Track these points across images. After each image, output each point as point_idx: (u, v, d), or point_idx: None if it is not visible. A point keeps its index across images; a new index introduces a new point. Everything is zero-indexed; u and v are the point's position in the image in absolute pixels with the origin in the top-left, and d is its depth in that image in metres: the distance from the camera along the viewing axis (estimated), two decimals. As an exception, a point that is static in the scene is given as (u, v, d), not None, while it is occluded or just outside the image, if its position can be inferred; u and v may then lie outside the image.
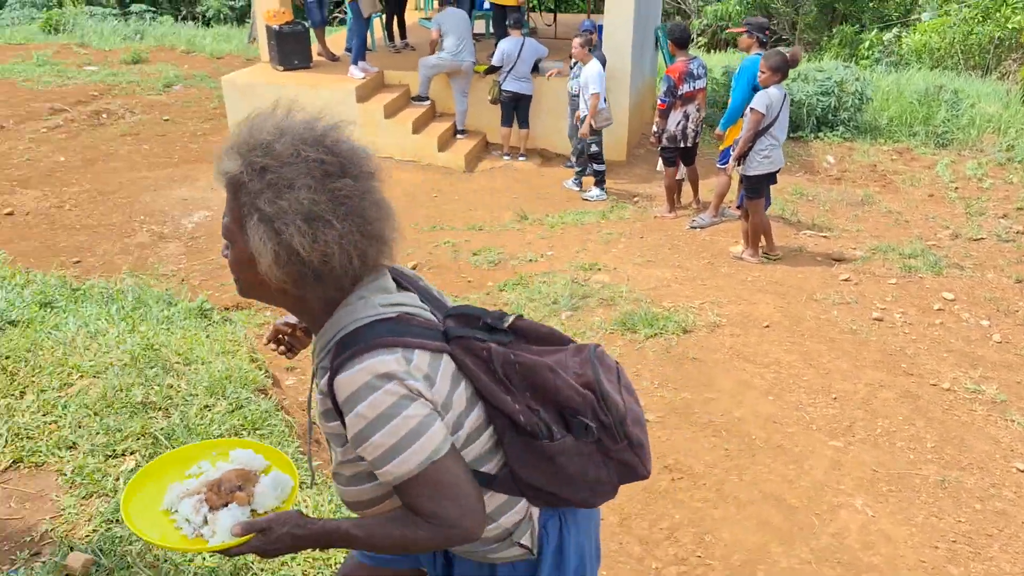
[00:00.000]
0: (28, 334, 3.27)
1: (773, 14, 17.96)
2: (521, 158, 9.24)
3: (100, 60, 13.49)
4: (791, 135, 10.34)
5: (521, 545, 1.52)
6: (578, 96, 8.14)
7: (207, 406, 2.83)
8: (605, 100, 7.60)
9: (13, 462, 2.60)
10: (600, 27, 9.03)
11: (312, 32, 9.54)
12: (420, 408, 1.33)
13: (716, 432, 4.01)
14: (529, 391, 1.43)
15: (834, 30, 16.28)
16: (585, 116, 7.56)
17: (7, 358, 3.07)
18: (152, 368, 2.99)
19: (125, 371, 2.95)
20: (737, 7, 16.68)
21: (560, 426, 1.44)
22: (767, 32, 6.62)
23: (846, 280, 5.81)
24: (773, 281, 5.85)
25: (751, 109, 5.93)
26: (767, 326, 5.12)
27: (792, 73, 11.51)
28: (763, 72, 5.82)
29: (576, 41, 7.73)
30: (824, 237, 6.80)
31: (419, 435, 1.32)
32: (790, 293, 5.63)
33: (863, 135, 10.33)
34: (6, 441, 2.68)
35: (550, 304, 5.58)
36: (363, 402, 1.30)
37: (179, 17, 18.72)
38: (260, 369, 3.27)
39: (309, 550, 2.24)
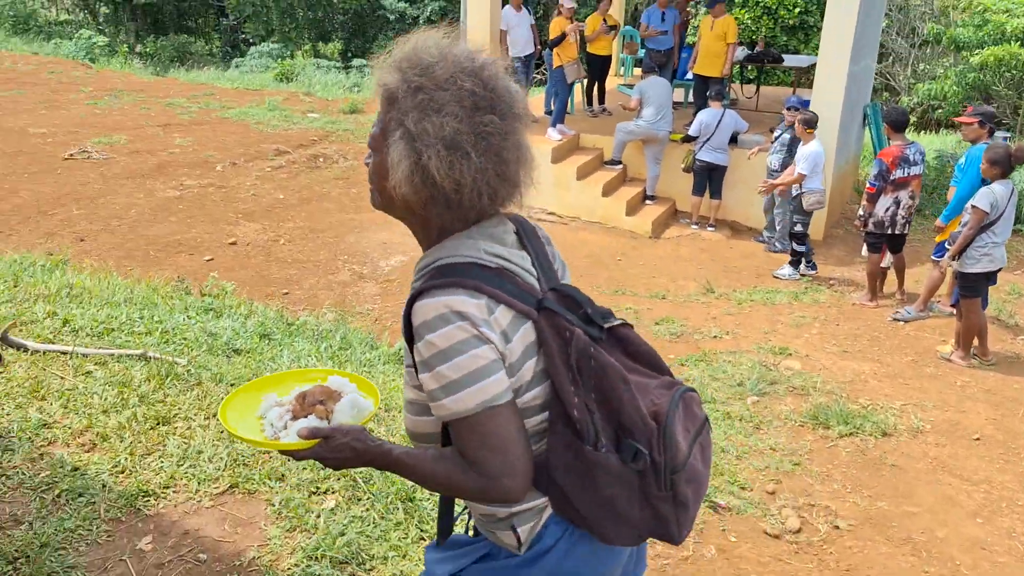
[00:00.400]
0: (250, 363, 3.57)
1: (993, 96, 16.76)
2: (710, 228, 9.10)
3: (322, 108, 14.73)
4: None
5: (515, 532, 1.42)
6: (779, 172, 7.96)
7: (402, 455, 2.95)
8: (821, 183, 7.42)
9: (230, 487, 2.82)
10: (807, 102, 8.81)
11: (516, 94, 9.93)
12: (490, 353, 1.30)
13: (915, 551, 3.68)
14: (594, 392, 1.35)
15: (1066, 116, 14.93)
16: (783, 183, 7.47)
17: (232, 384, 3.36)
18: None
19: (331, 411, 3.14)
20: (954, 87, 15.70)
21: (611, 440, 1.35)
22: (999, 125, 6.18)
23: (1075, 398, 5.22)
24: (985, 389, 5.35)
25: (973, 206, 5.53)
26: (977, 439, 4.67)
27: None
28: (983, 164, 5.44)
29: (799, 118, 7.56)
30: (1048, 345, 6.17)
31: (483, 377, 1.29)
32: (1005, 404, 5.12)
33: (1096, 233, 9.35)
34: (225, 465, 2.92)
35: (735, 386, 5.38)
36: (435, 332, 1.29)
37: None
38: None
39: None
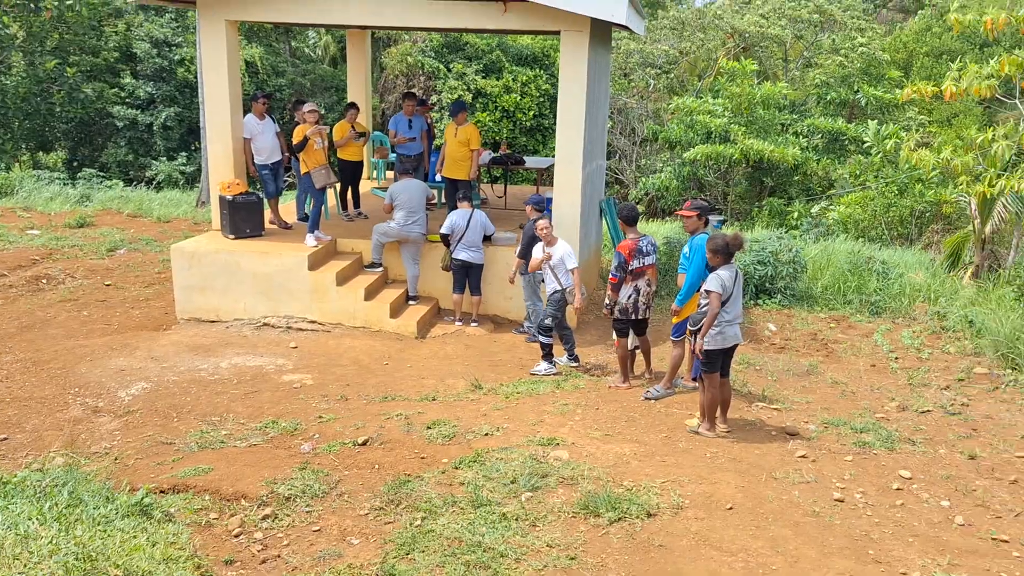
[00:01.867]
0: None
1: (706, 185, 19.02)
2: (473, 324, 9.27)
3: (44, 223, 13.37)
4: (733, 303, 10.66)
5: None
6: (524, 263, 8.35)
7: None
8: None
9: None
10: (549, 200, 9.38)
11: (267, 202, 9.66)
12: None
13: (691, 631, 3.80)
14: None
15: (763, 202, 17.25)
16: (564, 289, 7.77)
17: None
18: (87, 583, 2.72)
19: (56, 587, 2.67)
20: (674, 180, 17.61)
21: None
22: (713, 211, 6.95)
23: (803, 457, 5.79)
24: (732, 458, 5.80)
25: (707, 291, 6.07)
26: (730, 508, 5.01)
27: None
28: (707, 253, 6.06)
29: (542, 223, 7.92)
30: (776, 410, 6.85)
31: None
32: (750, 471, 5.57)
33: (800, 303, 10.70)
34: None
35: (509, 484, 5.39)
36: None
37: (129, 182, 18.86)
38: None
39: None
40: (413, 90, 19.10)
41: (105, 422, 6.69)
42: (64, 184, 16.83)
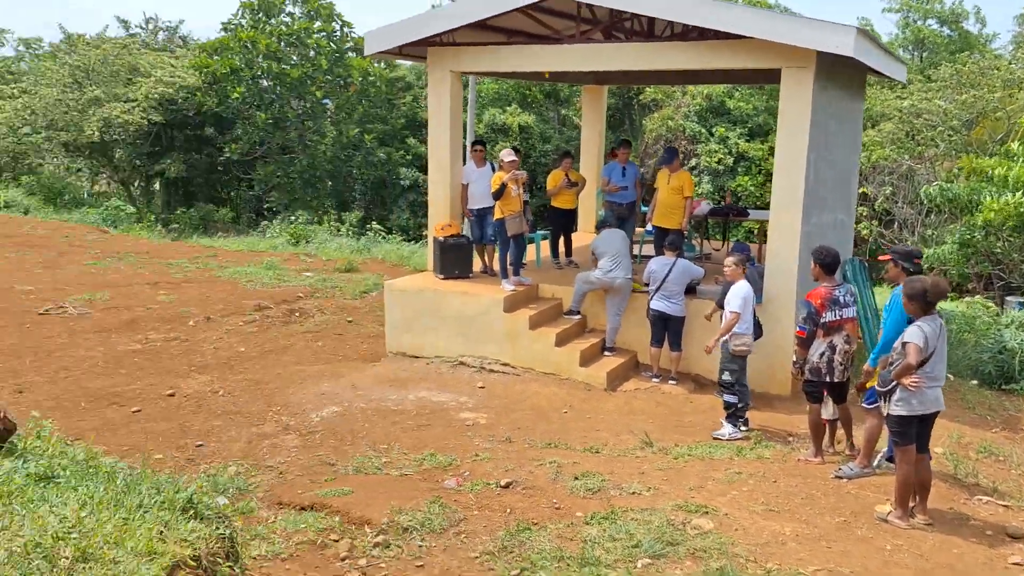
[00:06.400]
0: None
1: (1003, 259, 16.25)
2: (671, 382, 8.63)
3: (319, 267, 14.96)
4: (1001, 387, 8.85)
5: None
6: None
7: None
8: (749, 327, 7.02)
9: None
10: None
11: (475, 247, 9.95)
12: None
13: None
14: None
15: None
16: (722, 332, 7.08)
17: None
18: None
19: None
20: (954, 250, 15.27)
21: None
22: (916, 261, 5.82)
23: (1017, 564, 4.47)
24: (917, 554, 4.64)
25: (904, 343, 5.07)
26: (887, 613, 3.98)
27: (1005, 319, 10.10)
28: (903, 299, 5.04)
29: (730, 260, 7.31)
30: (1005, 506, 5.42)
31: None
32: (934, 571, 4.40)
33: (1103, 390, 8.59)
34: None
35: (631, 547, 4.80)
36: None
37: (409, 241, 20.42)
38: None
39: None
40: (628, 138, 18.80)
41: (290, 439, 7.13)
42: (351, 238, 18.76)
